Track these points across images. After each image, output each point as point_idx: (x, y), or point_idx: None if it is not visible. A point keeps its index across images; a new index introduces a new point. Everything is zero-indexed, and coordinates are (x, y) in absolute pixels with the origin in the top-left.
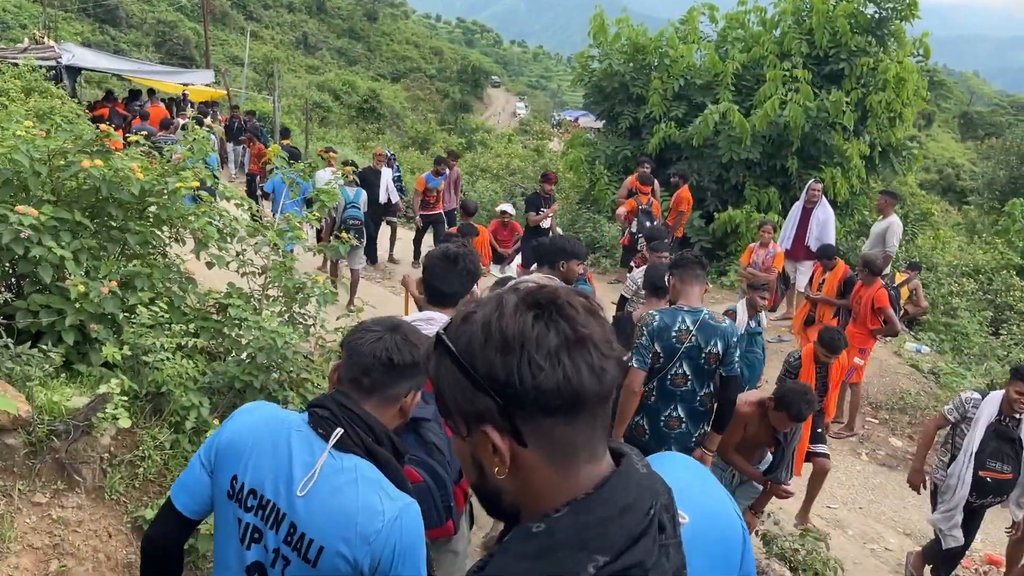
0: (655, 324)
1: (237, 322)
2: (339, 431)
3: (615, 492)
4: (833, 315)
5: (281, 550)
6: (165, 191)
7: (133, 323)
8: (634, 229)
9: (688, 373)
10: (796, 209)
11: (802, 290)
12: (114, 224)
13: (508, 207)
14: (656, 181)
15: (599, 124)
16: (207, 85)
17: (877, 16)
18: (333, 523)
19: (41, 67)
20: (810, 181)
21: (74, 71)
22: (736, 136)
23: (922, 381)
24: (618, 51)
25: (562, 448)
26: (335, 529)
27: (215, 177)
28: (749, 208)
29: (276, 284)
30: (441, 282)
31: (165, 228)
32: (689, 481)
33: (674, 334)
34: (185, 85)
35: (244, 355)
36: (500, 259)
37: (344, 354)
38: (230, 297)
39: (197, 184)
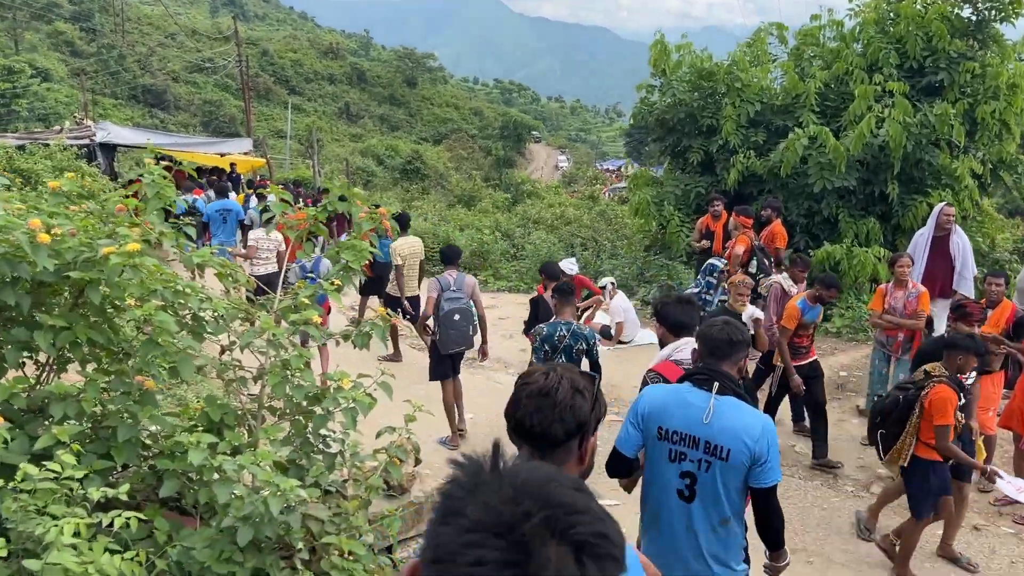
0: (544, 332)
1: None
2: (716, 384)
3: None
4: (1000, 366)
5: (703, 458)
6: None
7: (19, 491)
8: (752, 269)
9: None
10: (922, 239)
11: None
12: (15, 317)
13: (569, 265)
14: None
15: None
16: (245, 153)
17: (975, 18)
18: (731, 435)
19: (72, 146)
20: (940, 205)
21: (109, 149)
22: (828, 162)
23: None
24: (681, 79)
25: None
26: (733, 437)
27: (185, 235)
28: (849, 242)
29: (279, 396)
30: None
31: (125, 315)
32: None
33: (556, 338)
34: (223, 155)
35: (226, 522)
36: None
37: (701, 342)
38: (193, 428)
39: (137, 247)
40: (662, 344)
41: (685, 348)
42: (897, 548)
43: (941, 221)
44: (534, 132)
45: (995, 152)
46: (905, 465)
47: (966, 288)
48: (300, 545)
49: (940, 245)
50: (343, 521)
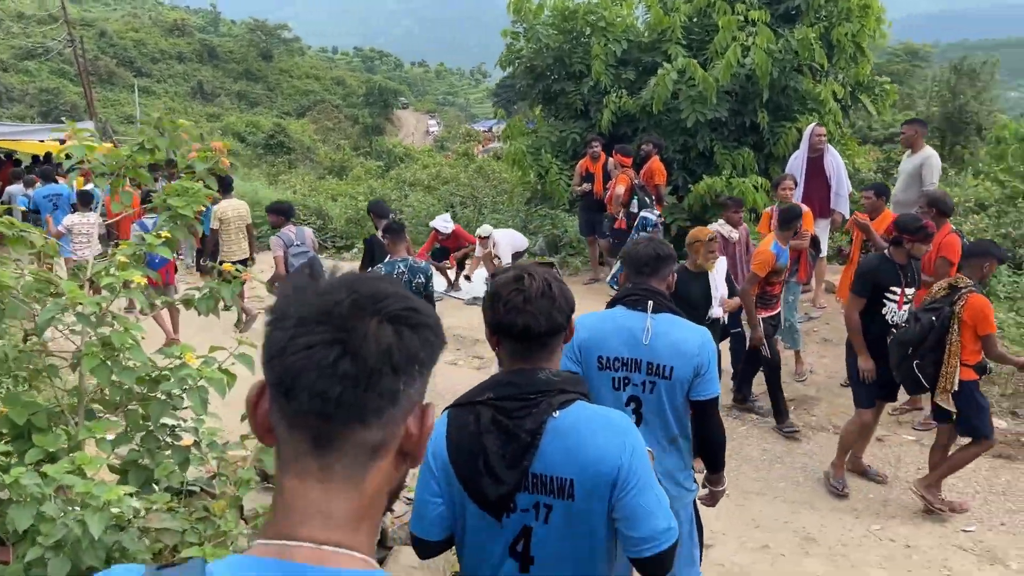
0: (383, 271)
1: None
2: (650, 303)
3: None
4: None
5: (647, 380)
6: None
7: None
8: (634, 209)
9: None
10: (797, 161)
11: (825, 254)
12: None
13: (443, 222)
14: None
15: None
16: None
17: None
18: (672, 352)
19: None
20: (812, 125)
21: None
22: (699, 95)
23: None
24: (544, 23)
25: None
26: (674, 354)
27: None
28: (727, 174)
29: (102, 383)
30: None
31: None
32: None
33: (395, 275)
34: (62, 142)
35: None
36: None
37: (627, 262)
38: None
39: None
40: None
41: None
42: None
43: (814, 142)
44: (401, 98)
45: (852, 75)
46: (956, 390)
47: (843, 206)
48: (145, 556)
49: (815, 166)
50: (208, 527)
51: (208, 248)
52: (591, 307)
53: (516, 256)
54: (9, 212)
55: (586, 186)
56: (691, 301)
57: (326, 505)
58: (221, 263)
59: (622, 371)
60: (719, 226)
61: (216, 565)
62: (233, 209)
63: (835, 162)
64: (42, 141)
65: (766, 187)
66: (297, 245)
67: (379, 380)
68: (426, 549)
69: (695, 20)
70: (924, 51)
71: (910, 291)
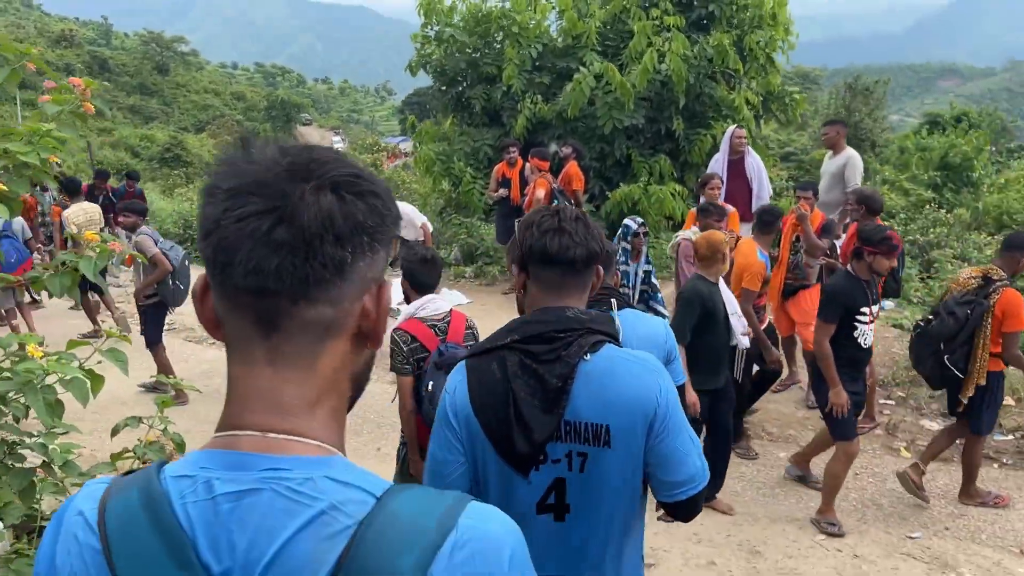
0: None
1: None
2: (614, 300)
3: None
4: (818, 277)
5: None
6: None
7: None
8: None
9: None
10: (718, 164)
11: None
12: None
13: None
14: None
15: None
16: None
17: None
18: (646, 344)
19: None
20: (732, 128)
21: None
22: (615, 101)
23: None
24: (456, 27)
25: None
26: (648, 346)
27: None
28: (645, 181)
29: None
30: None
31: None
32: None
33: None
34: None
35: None
36: None
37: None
38: None
39: None
40: (408, 301)
41: (429, 305)
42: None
43: (734, 144)
44: (304, 115)
45: (763, 84)
46: (984, 383)
47: None
48: None
49: (736, 168)
50: None
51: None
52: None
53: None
54: None
55: (503, 192)
56: (715, 315)
57: (275, 390)
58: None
59: None
60: (692, 234)
61: (171, 466)
62: (84, 213)
63: (756, 165)
64: None
65: (684, 195)
66: (163, 242)
67: (321, 248)
68: None
69: (609, 26)
70: (815, 74)
71: (875, 308)
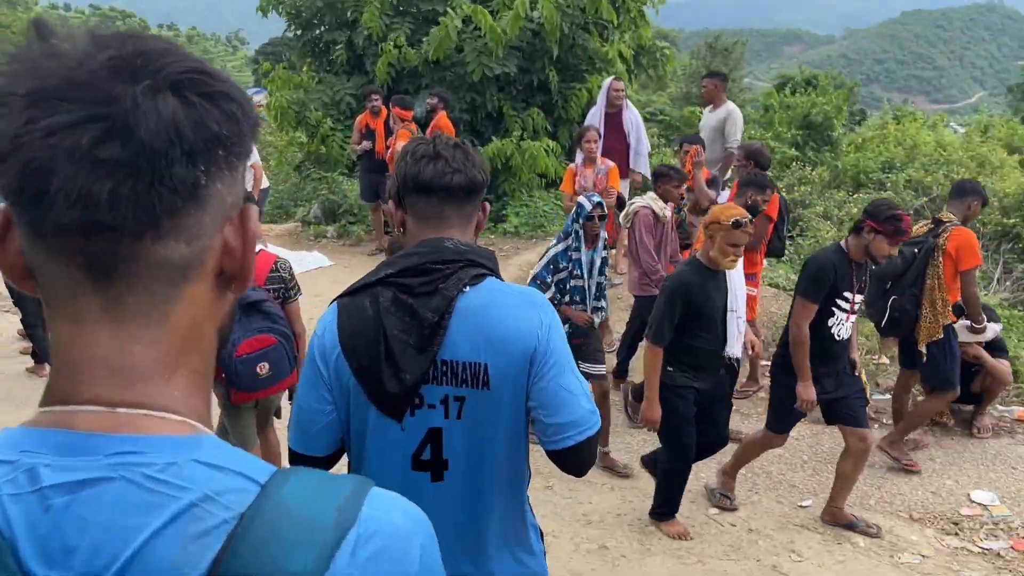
0: None
1: None
2: None
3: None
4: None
5: None
6: None
7: None
8: None
9: None
10: (595, 118)
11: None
12: None
13: None
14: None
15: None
16: None
17: None
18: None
19: None
20: (609, 79)
21: None
22: (485, 47)
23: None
24: None
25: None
26: None
27: None
28: (517, 136)
29: None
30: None
31: None
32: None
33: None
34: None
35: None
36: None
37: None
38: None
39: None
40: None
41: None
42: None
43: (612, 97)
44: None
45: (635, 38)
46: (941, 336)
47: (642, 164)
48: None
49: (613, 122)
50: None
51: None
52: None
53: None
54: None
55: (366, 144)
56: (704, 314)
57: (119, 353)
58: None
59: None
60: (650, 200)
61: None
62: None
63: (634, 119)
64: None
65: (557, 151)
66: None
67: (168, 168)
68: (313, 467)
69: None
70: (672, 35)
71: (859, 298)
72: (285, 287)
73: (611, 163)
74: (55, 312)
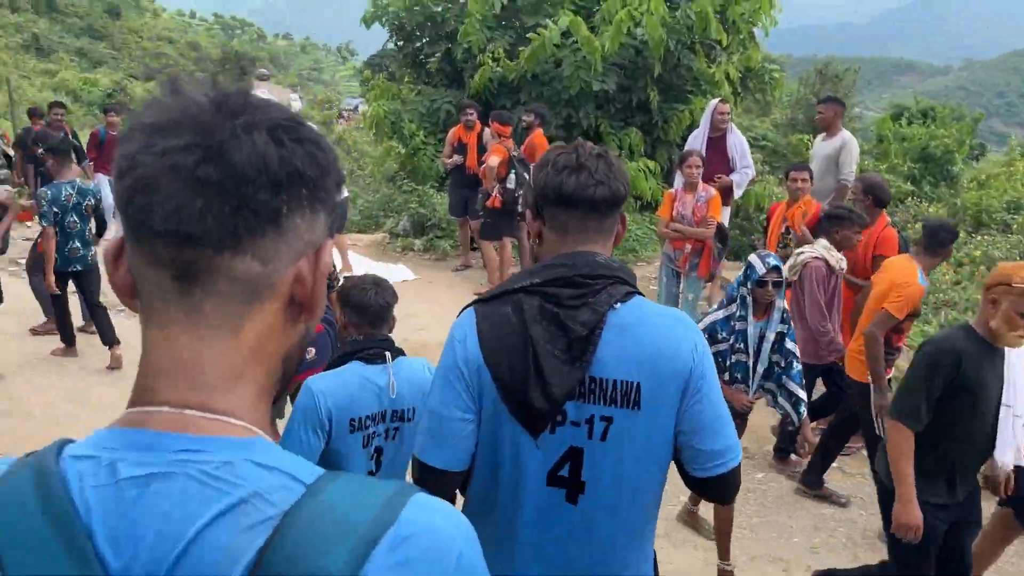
0: (49, 195)
1: None
2: (388, 354)
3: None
4: None
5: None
6: None
7: None
8: (511, 184)
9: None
10: (697, 141)
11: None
12: None
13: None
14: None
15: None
16: None
17: None
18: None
19: None
20: (714, 102)
21: None
22: (583, 60)
23: None
24: None
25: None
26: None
27: None
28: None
29: None
30: None
31: None
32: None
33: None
34: None
35: None
36: None
37: (353, 310)
38: None
39: None
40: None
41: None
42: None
43: (716, 120)
44: (262, 70)
45: (743, 60)
46: None
47: (740, 191)
48: None
49: (717, 145)
50: None
51: None
52: (460, 297)
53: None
54: None
55: (457, 158)
56: (974, 399)
57: (193, 358)
58: None
59: (371, 427)
60: (823, 250)
61: (74, 445)
62: None
63: (739, 143)
64: None
65: (657, 172)
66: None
67: (253, 193)
68: (446, 484)
69: None
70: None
71: None
72: (329, 277)
73: (713, 190)
74: (148, 319)
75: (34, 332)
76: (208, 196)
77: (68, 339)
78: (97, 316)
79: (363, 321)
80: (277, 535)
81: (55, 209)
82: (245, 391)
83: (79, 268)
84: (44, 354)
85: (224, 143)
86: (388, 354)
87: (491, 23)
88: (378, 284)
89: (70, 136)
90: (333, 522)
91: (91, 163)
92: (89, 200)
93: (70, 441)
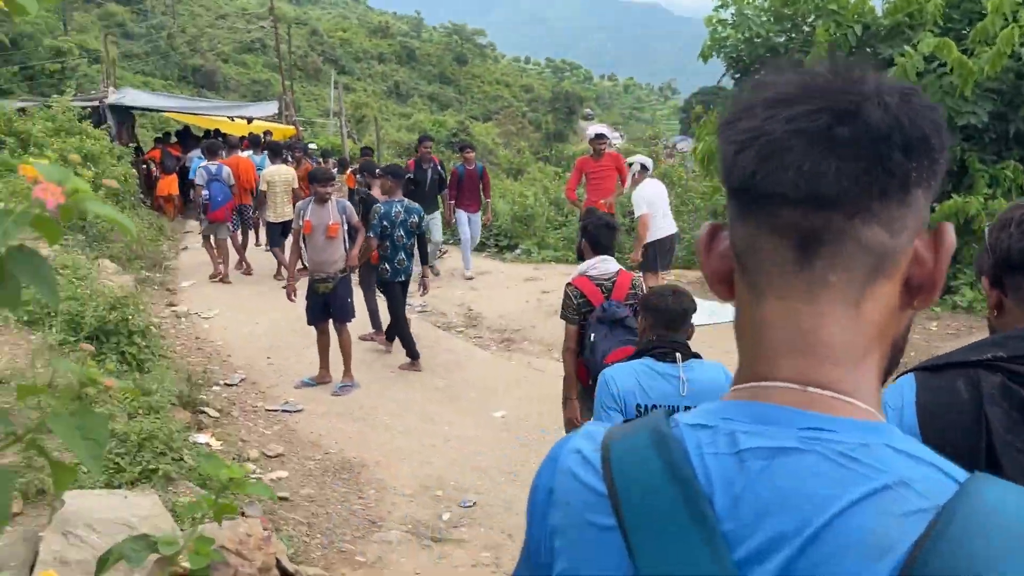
0: (382, 210)
1: None
2: (678, 355)
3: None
4: None
5: None
6: None
7: None
8: None
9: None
10: None
11: None
12: None
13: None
14: None
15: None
16: (268, 118)
17: None
18: (709, 395)
19: (78, 107)
20: None
21: (123, 113)
22: (950, 85)
23: None
24: (758, 8)
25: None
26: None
27: None
28: (986, 192)
29: None
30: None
31: None
32: None
33: (393, 214)
34: (248, 121)
35: None
36: None
37: (653, 315)
38: None
39: None
40: (581, 257)
41: (600, 265)
42: None
43: None
44: (587, 110)
45: None
46: None
47: None
48: None
49: None
50: None
51: (256, 205)
52: None
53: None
54: (184, 174)
55: None
56: None
57: (815, 332)
58: (269, 224)
59: None
60: None
61: (684, 415)
62: (280, 174)
63: None
64: (232, 119)
65: None
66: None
67: (888, 152)
68: None
69: (954, 4)
70: None
71: None
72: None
73: None
74: (760, 293)
75: (361, 339)
76: (843, 156)
77: (413, 354)
78: (400, 327)
79: (659, 323)
80: (935, 530)
81: (385, 223)
82: (868, 372)
83: (403, 278)
84: (392, 364)
85: (859, 104)
86: (678, 354)
87: (844, 53)
88: (676, 291)
89: (439, 167)
90: (1000, 527)
91: (452, 202)
92: (414, 218)
93: (673, 412)
